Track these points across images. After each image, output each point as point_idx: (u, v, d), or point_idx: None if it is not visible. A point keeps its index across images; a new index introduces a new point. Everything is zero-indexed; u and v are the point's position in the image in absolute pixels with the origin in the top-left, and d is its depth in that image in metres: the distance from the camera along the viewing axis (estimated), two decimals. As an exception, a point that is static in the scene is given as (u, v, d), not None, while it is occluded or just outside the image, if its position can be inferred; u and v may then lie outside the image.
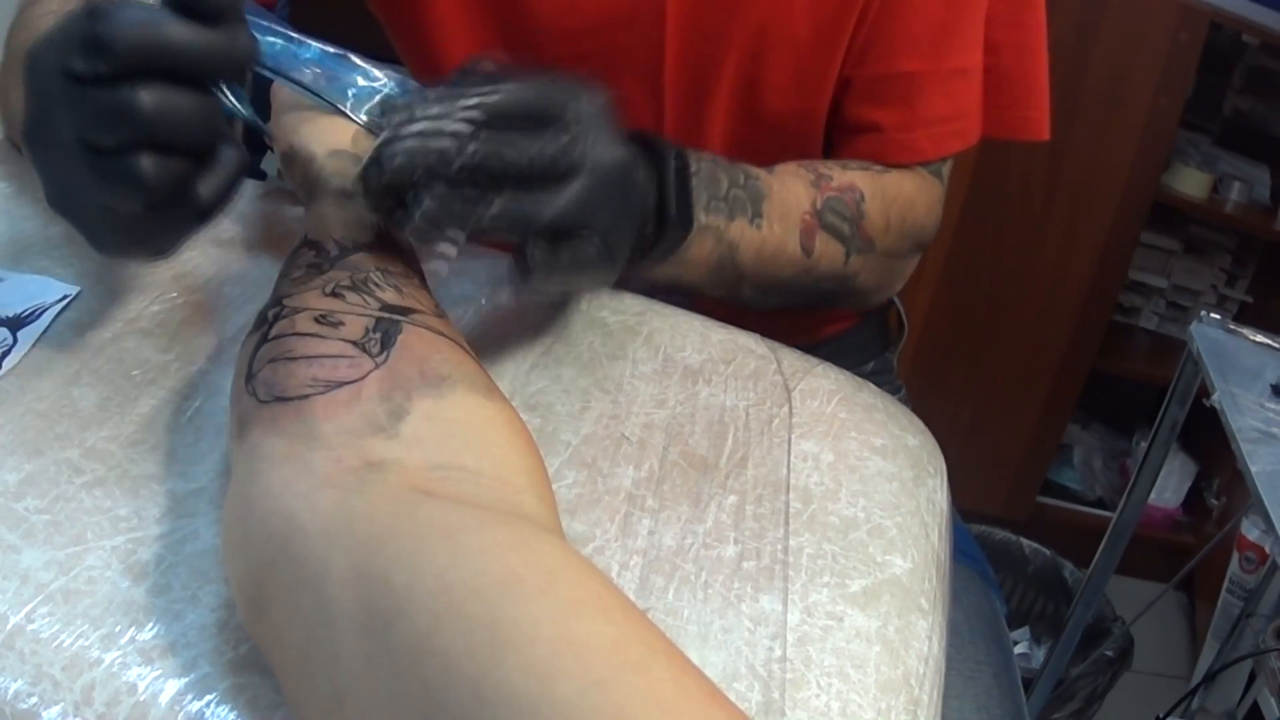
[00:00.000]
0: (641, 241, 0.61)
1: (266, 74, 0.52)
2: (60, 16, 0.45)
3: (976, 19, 0.81)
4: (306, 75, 0.53)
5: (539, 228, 0.50)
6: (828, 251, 0.74)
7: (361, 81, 0.54)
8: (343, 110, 0.53)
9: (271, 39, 0.52)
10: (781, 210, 0.72)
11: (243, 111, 0.47)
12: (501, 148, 0.48)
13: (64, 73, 0.42)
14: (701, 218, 0.66)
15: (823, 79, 0.80)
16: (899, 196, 0.79)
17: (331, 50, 0.54)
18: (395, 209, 0.48)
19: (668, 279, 0.67)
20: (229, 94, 0.46)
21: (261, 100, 0.53)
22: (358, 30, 0.59)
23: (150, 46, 0.42)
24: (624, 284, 0.65)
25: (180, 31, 0.43)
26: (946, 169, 0.85)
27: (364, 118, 0.53)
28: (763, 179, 0.72)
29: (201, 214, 0.46)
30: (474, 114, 0.48)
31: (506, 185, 0.49)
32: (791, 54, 0.78)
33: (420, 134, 0.47)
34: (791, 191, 0.73)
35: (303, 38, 0.53)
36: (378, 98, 0.54)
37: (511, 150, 0.48)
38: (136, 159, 0.42)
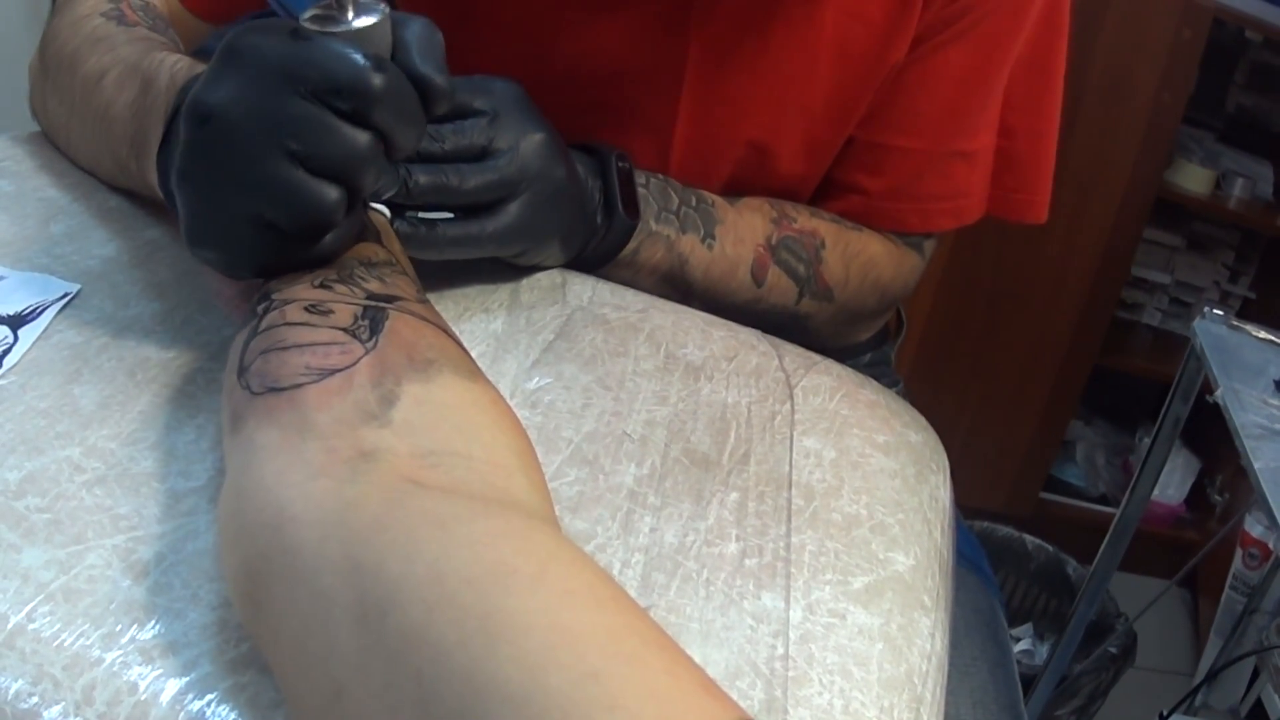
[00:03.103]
0: (592, 231, 0.68)
1: None
2: (280, 29, 0.47)
3: (989, 105, 0.82)
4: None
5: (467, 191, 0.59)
6: (779, 286, 0.77)
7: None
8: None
9: None
10: (735, 236, 0.75)
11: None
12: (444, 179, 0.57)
13: (300, 90, 0.45)
14: (651, 224, 0.71)
15: (831, 147, 0.81)
16: (862, 253, 0.81)
17: None
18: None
19: (621, 282, 0.70)
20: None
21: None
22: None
23: (407, 120, 0.48)
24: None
25: (421, 114, 0.49)
26: (929, 243, 0.88)
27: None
28: (718, 205, 0.75)
29: (308, 260, 0.48)
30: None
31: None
32: (805, 123, 0.79)
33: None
34: (747, 222, 0.76)
35: None
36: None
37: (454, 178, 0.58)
38: (330, 187, 0.46)
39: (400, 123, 0.47)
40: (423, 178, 0.57)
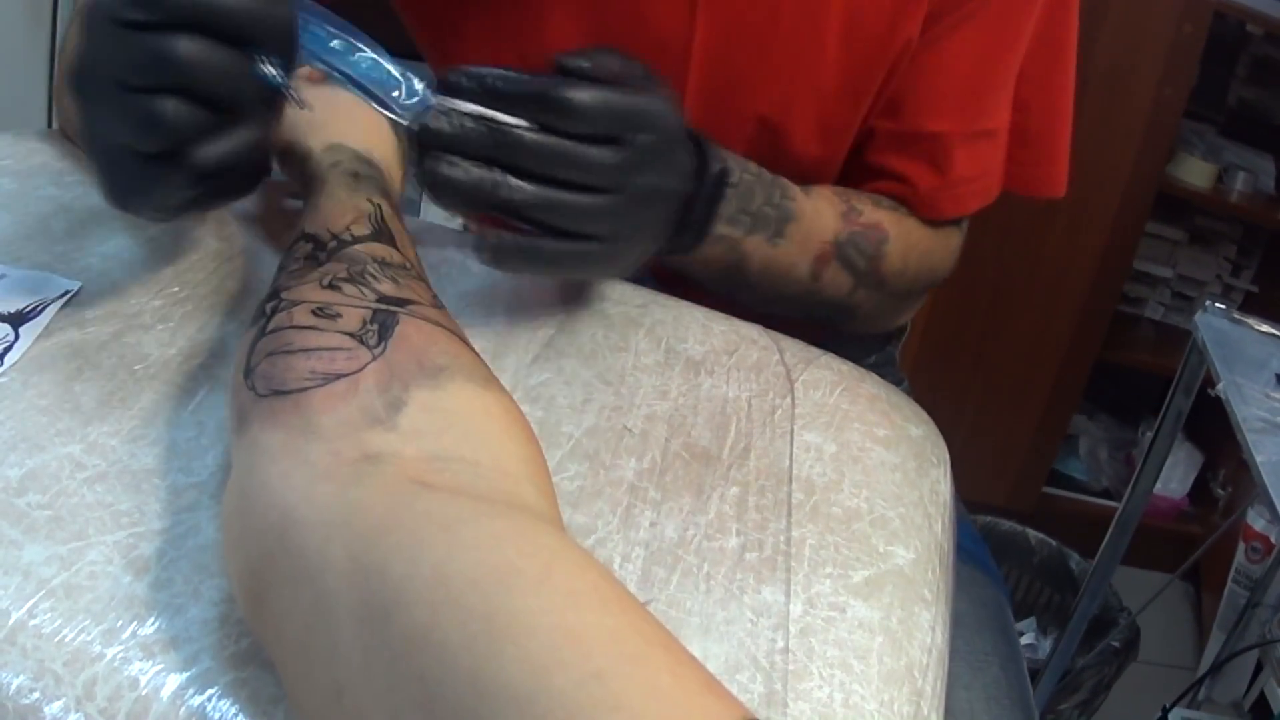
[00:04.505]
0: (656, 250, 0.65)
1: (321, 66, 0.53)
2: None
3: (1007, 81, 0.81)
4: (359, 71, 0.54)
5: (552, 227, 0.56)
6: (836, 281, 0.76)
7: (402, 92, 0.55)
8: (391, 109, 0.54)
9: (334, 39, 0.53)
10: (804, 235, 0.73)
11: (279, 80, 0.49)
12: (556, 148, 0.55)
13: (113, 19, 0.45)
14: (719, 229, 0.68)
15: (846, 130, 0.80)
16: (920, 243, 0.81)
17: (384, 62, 0.55)
18: (434, 166, 0.54)
19: (674, 267, 0.69)
20: (270, 65, 0.48)
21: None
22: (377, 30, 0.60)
23: (194, 3, 0.45)
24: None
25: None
26: (965, 221, 0.87)
27: (408, 119, 0.54)
28: (797, 201, 0.73)
29: (194, 176, 0.48)
30: (548, 106, 0.55)
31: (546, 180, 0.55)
32: (816, 104, 0.78)
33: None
34: (821, 218, 0.75)
35: (360, 45, 0.54)
36: (422, 105, 0.54)
37: (563, 152, 0.55)
38: (163, 100, 0.45)
39: (220, 11, 0.46)
40: (529, 187, 0.55)
